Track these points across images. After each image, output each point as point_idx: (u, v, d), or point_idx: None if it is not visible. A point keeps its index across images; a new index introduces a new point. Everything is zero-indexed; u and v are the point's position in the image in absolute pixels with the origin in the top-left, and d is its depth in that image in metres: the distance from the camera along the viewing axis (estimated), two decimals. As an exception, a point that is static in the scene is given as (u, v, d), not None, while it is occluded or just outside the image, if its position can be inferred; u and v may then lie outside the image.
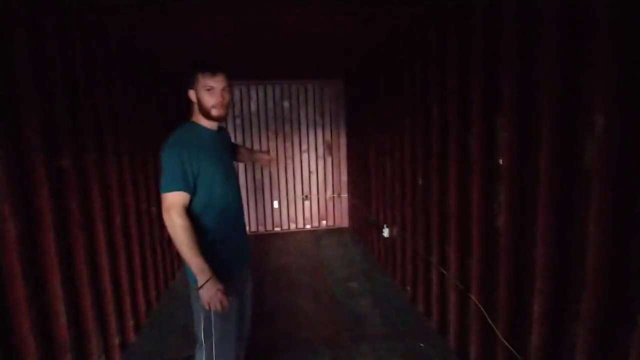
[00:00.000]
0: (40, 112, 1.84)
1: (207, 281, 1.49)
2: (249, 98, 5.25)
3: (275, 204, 5.51)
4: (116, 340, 2.48)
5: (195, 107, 1.66)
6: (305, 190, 5.54)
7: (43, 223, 1.84)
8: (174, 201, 1.51)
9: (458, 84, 2.23)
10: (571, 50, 1.41)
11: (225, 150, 1.80)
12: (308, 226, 5.61)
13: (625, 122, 1.23)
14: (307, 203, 5.57)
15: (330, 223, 5.66)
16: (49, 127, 1.91)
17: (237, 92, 5.18)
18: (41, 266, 1.83)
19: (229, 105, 1.68)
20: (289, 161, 5.45)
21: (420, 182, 2.89)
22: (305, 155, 5.48)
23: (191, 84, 1.63)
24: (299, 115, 5.38)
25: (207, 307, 1.53)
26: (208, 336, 1.63)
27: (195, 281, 1.55)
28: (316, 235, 5.37)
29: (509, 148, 1.77)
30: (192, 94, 1.64)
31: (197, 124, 1.68)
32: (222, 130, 1.81)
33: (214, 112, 1.62)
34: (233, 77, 1.66)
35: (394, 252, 3.63)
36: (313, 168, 5.52)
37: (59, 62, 2.03)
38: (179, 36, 2.85)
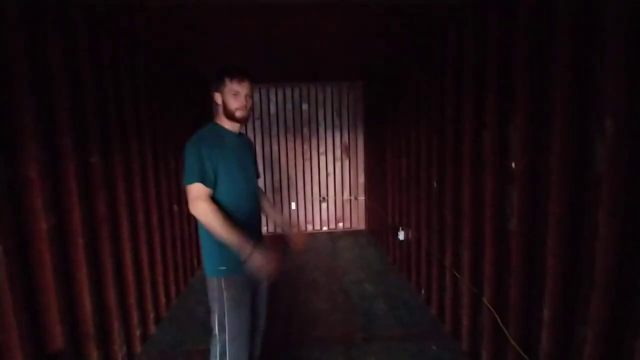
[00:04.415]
0: (72, 112, 1.97)
1: (252, 252, 1.58)
2: (269, 100, 5.36)
3: (293, 206, 5.59)
4: (137, 332, 2.60)
5: (220, 109, 1.76)
6: (322, 192, 5.60)
7: (72, 217, 1.96)
8: (198, 191, 1.61)
9: (474, 88, 2.24)
10: (582, 57, 1.41)
11: (245, 153, 1.87)
12: (325, 228, 5.66)
13: (635, 126, 1.23)
14: (324, 205, 5.63)
15: (347, 225, 5.69)
16: (80, 127, 2.04)
17: (256, 94, 5.29)
18: (69, 258, 1.95)
19: (250, 109, 1.79)
20: (307, 163, 5.52)
21: (435, 185, 2.90)
22: (323, 157, 5.54)
23: (218, 87, 1.73)
24: (317, 117, 5.45)
25: (259, 274, 1.63)
26: (222, 329, 1.72)
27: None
28: (333, 237, 5.41)
29: (521, 151, 1.78)
30: (217, 96, 1.74)
31: (219, 125, 1.78)
32: (242, 135, 1.91)
33: (238, 114, 1.72)
34: (253, 79, 1.76)
35: (408, 254, 3.63)
36: (330, 170, 5.58)
37: (90, 71, 2.16)
38: (201, 40, 2.95)
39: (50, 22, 1.83)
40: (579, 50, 1.43)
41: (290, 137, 5.44)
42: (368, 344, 2.67)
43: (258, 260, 1.59)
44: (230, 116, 1.73)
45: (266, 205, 2.08)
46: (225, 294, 1.70)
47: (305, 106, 5.42)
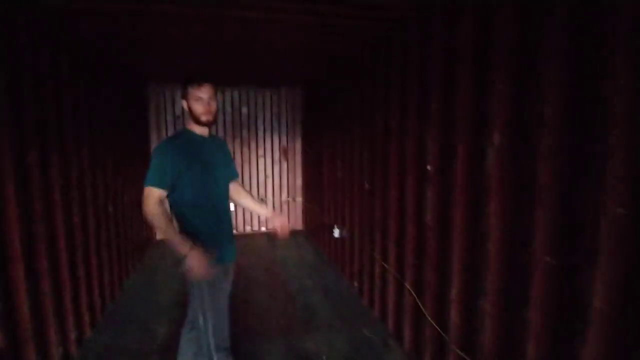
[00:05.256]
0: (8, 108, 1.93)
1: (189, 251, 1.68)
2: (208, 102, 5.36)
3: (232, 207, 5.62)
4: (72, 335, 2.54)
5: (188, 115, 1.88)
6: (261, 193, 5.73)
7: (8, 217, 1.92)
8: (150, 193, 1.73)
9: (398, 101, 2.58)
10: (479, 82, 1.77)
11: (216, 156, 1.97)
12: (263, 228, 5.80)
13: (516, 138, 1.60)
14: (262, 206, 5.75)
15: (285, 225, 5.86)
16: (17, 124, 2.00)
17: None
18: (6, 259, 1.91)
19: (216, 112, 1.89)
20: (246, 165, 5.63)
21: (367, 186, 3.22)
22: (261, 160, 5.68)
23: (184, 95, 1.86)
24: (256, 120, 5.58)
25: (191, 274, 1.71)
26: (203, 313, 1.84)
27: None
28: (271, 236, 5.56)
29: (435, 157, 2.13)
30: (184, 103, 1.87)
31: (188, 130, 1.90)
32: (215, 138, 2.04)
33: (203, 119, 1.83)
34: (214, 83, 1.87)
35: (343, 250, 3.93)
36: (269, 172, 5.74)
37: (30, 72, 2.12)
38: (137, 44, 2.98)
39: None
40: (476, 76, 1.79)
41: (229, 140, 5.50)
42: (307, 334, 2.88)
43: (193, 260, 1.68)
44: (196, 121, 1.84)
45: (249, 201, 2.27)
46: (201, 282, 1.78)
47: (244, 109, 5.52)
